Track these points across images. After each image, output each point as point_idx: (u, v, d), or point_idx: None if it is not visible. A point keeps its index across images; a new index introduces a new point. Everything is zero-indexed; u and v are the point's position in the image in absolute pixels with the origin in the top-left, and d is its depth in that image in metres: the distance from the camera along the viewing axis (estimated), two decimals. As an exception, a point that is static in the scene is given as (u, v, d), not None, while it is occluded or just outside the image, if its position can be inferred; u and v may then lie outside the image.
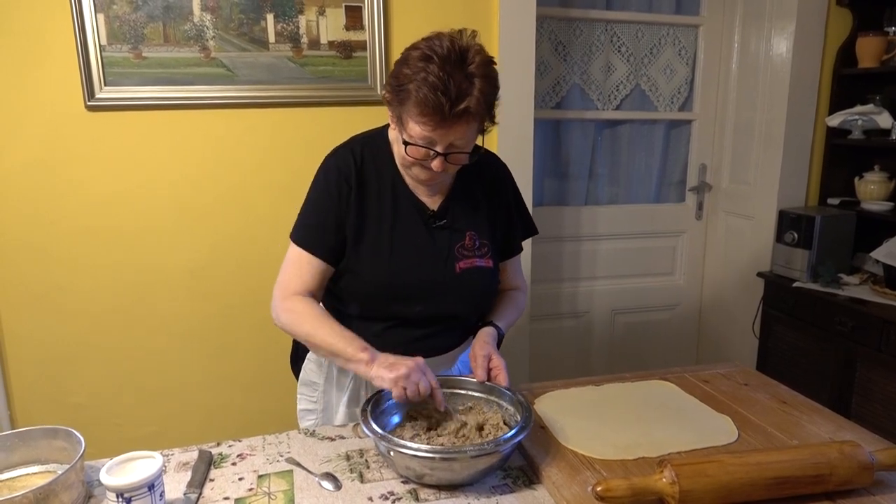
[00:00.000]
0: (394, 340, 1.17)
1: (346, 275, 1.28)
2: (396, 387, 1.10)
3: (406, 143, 1.16)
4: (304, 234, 1.28)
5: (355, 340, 1.18)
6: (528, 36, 2.29)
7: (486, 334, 1.31)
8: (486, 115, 1.17)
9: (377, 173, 1.28)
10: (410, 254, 1.26)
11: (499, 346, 1.33)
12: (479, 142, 1.23)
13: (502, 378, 1.23)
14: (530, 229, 1.47)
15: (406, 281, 1.26)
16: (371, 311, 1.28)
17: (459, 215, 1.31)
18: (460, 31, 1.15)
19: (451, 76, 1.09)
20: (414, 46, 1.15)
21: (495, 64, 1.16)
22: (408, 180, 1.29)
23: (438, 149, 1.15)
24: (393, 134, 1.28)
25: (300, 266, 1.27)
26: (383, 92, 1.22)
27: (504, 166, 1.43)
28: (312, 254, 1.26)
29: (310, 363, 1.42)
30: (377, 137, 1.32)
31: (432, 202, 1.30)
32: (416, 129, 1.14)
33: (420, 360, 1.14)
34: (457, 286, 1.29)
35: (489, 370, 1.24)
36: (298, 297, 1.25)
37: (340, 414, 1.39)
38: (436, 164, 1.17)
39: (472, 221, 1.32)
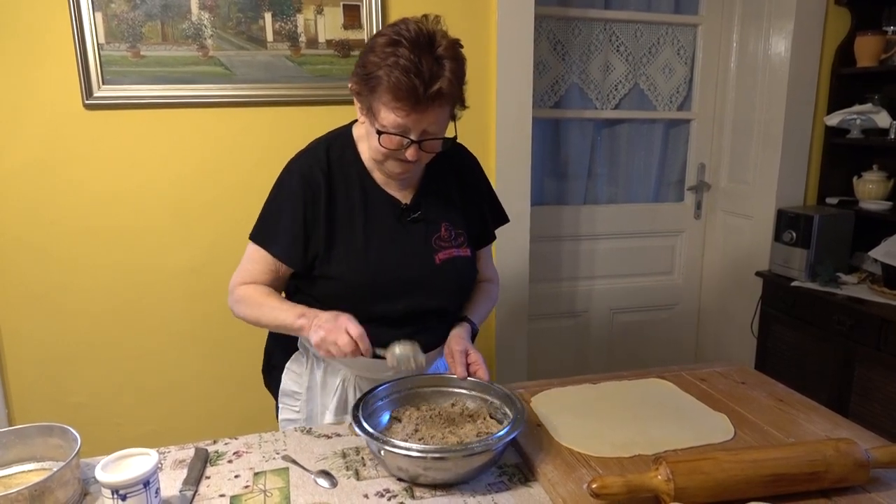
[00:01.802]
0: (380, 341, 1.15)
1: (325, 280, 1.25)
2: (320, 347, 1.12)
3: (379, 133, 1.14)
4: (262, 234, 1.28)
5: (292, 309, 1.20)
6: (526, 35, 2.29)
7: (460, 329, 1.32)
8: (457, 97, 1.17)
9: (344, 174, 1.26)
10: (388, 250, 1.25)
11: (473, 339, 1.33)
12: (450, 129, 1.22)
13: (482, 373, 1.23)
14: (502, 217, 1.48)
15: (387, 278, 1.24)
16: (354, 313, 1.23)
17: (432, 207, 1.31)
18: (425, 17, 1.14)
19: (422, 59, 1.08)
20: (379, 34, 1.14)
21: (462, 46, 1.16)
22: (377, 176, 1.28)
23: (412, 136, 1.14)
24: (360, 131, 1.28)
25: (253, 262, 1.28)
26: (350, 84, 1.19)
27: (472, 156, 1.43)
28: (267, 250, 1.25)
29: (290, 373, 1.40)
30: (340, 138, 1.30)
31: (404, 196, 1.29)
32: (389, 116, 1.12)
33: (343, 316, 1.13)
34: (438, 278, 1.28)
35: (468, 366, 1.24)
36: (246, 285, 1.27)
37: (327, 421, 1.36)
38: (410, 152, 1.16)
39: (446, 212, 1.32)
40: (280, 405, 1.43)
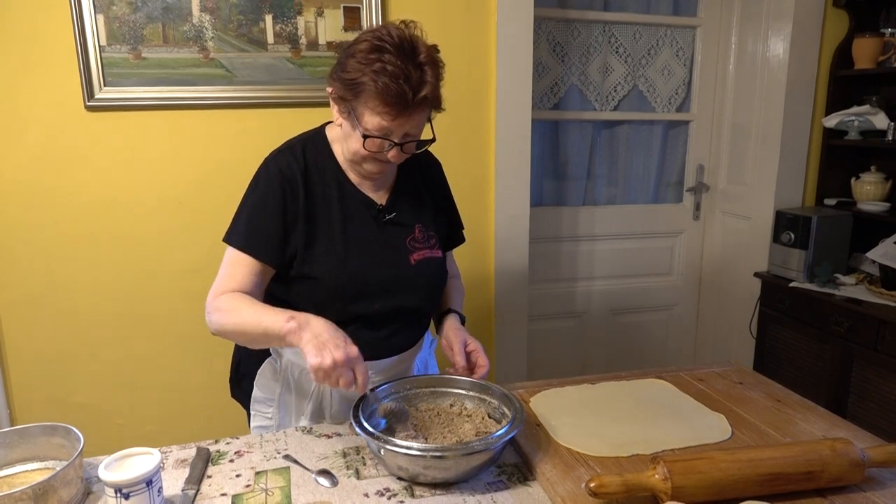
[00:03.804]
0: (359, 343, 1.11)
1: (301, 280, 1.24)
2: (316, 375, 1.04)
3: (365, 137, 1.15)
4: (243, 237, 1.22)
5: (281, 313, 1.11)
6: (525, 37, 2.30)
7: (454, 320, 1.35)
8: (437, 102, 1.19)
9: (320, 174, 1.27)
10: (365, 250, 1.26)
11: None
12: (427, 132, 1.24)
13: (482, 359, 1.25)
14: (460, 223, 1.51)
15: (364, 278, 1.25)
16: (331, 314, 1.18)
17: (406, 209, 1.33)
18: (403, 23, 1.16)
19: (408, 66, 1.10)
20: (359, 39, 1.15)
21: (439, 52, 1.18)
22: (352, 177, 1.29)
23: (395, 139, 1.16)
24: (334, 133, 1.30)
25: (235, 268, 1.22)
26: (329, 88, 1.20)
27: (437, 161, 1.46)
28: (250, 255, 1.21)
29: (262, 378, 1.37)
30: (315, 138, 1.31)
31: (379, 197, 1.31)
32: (373, 120, 1.14)
33: (353, 350, 1.06)
34: (413, 278, 1.30)
35: (468, 354, 1.27)
36: (226, 294, 1.20)
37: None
38: (392, 154, 1.18)
39: (419, 214, 1.34)
40: (252, 412, 1.40)
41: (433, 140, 1.24)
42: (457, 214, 1.49)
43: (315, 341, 1.05)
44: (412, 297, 1.31)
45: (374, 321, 1.26)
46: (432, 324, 1.45)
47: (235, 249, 1.23)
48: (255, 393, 1.38)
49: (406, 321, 1.33)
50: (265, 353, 1.37)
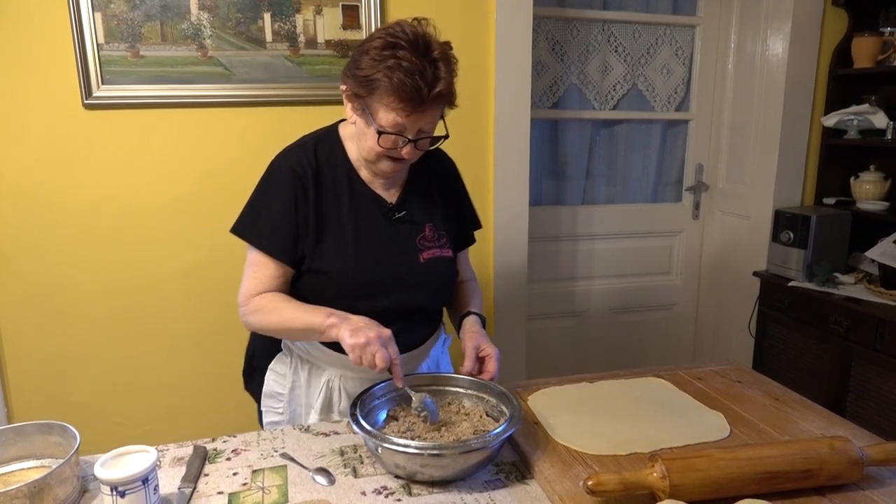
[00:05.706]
0: None
1: (312, 275, 1.26)
2: (353, 353, 1.11)
3: (379, 133, 1.15)
4: (264, 240, 1.26)
5: (321, 309, 1.20)
6: (524, 36, 2.30)
7: (472, 323, 1.34)
8: (451, 98, 1.19)
9: (332, 171, 1.27)
10: (375, 247, 1.27)
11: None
12: (440, 128, 1.24)
13: (490, 366, 1.25)
14: (477, 222, 1.50)
15: (374, 275, 1.26)
16: (340, 310, 1.22)
17: (417, 207, 1.33)
18: (416, 20, 1.16)
19: (422, 62, 1.11)
20: (372, 37, 1.16)
21: (452, 48, 1.18)
22: (364, 175, 1.29)
23: (409, 135, 1.17)
24: (346, 130, 1.30)
25: (261, 271, 1.26)
26: (343, 86, 1.21)
27: (450, 159, 1.46)
28: (273, 257, 1.25)
29: (273, 373, 1.39)
30: (327, 136, 1.31)
31: (389, 195, 1.31)
32: (388, 116, 1.14)
33: (387, 331, 1.14)
34: (423, 276, 1.30)
35: (481, 360, 1.26)
36: (259, 295, 1.25)
37: (311, 422, 1.35)
38: (406, 150, 1.18)
39: (430, 213, 1.34)
40: (263, 408, 1.42)
41: (446, 137, 1.24)
42: (472, 214, 1.49)
43: (352, 327, 1.13)
44: (420, 296, 1.31)
45: (382, 318, 1.26)
46: (450, 322, 1.45)
47: (258, 252, 1.26)
48: (266, 388, 1.40)
49: (414, 319, 1.33)
50: (277, 348, 1.38)
